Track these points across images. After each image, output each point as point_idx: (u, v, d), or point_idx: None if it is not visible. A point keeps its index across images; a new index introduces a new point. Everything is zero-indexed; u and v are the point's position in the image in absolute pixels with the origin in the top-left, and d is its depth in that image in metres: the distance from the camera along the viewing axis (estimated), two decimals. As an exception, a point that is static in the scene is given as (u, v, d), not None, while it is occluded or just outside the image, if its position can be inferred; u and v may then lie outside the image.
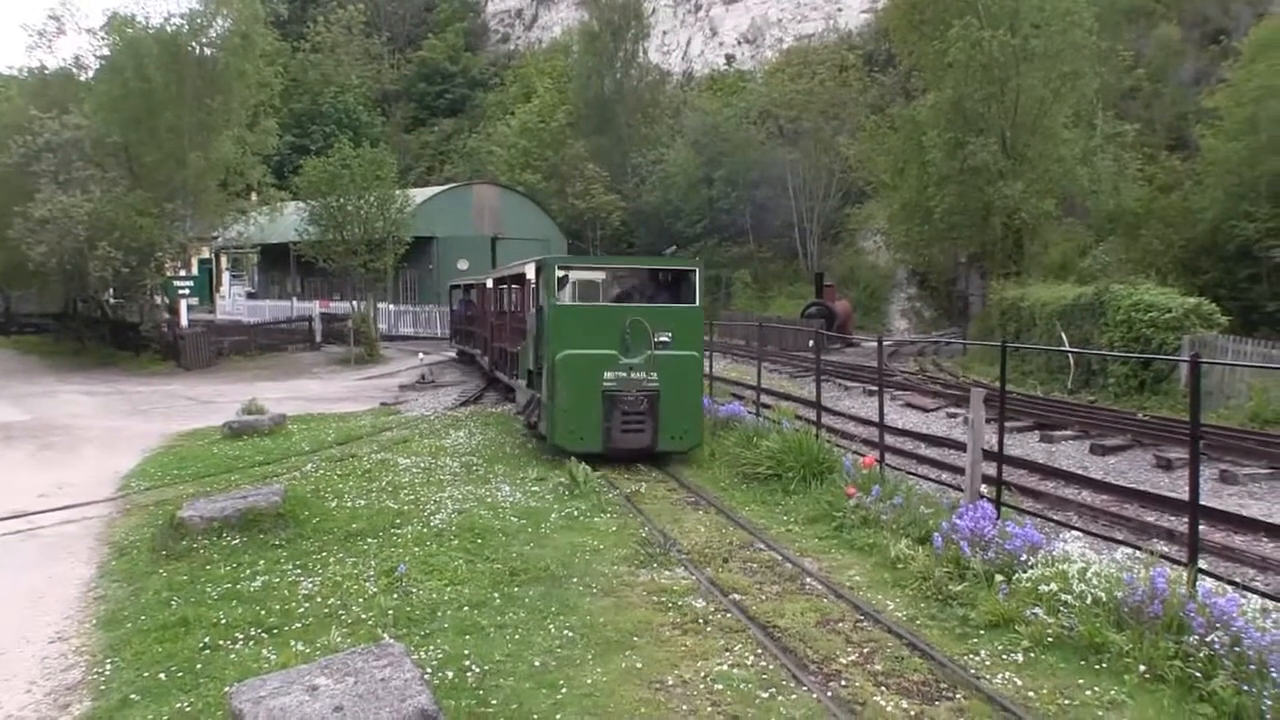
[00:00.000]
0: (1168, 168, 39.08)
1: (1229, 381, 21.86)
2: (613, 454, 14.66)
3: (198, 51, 36.48)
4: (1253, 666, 6.28)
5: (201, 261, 49.21)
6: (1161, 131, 42.63)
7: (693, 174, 57.77)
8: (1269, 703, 5.99)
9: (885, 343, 28.40)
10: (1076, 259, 36.61)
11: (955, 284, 47.71)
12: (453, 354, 37.38)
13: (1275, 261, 28.62)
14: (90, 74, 41.09)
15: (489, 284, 26.25)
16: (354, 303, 41.48)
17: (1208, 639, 6.61)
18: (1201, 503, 7.97)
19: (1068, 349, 26.50)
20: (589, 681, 6.81)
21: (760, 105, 59.75)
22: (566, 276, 16.17)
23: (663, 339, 14.72)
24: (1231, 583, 7.92)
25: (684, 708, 6.41)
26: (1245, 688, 6.19)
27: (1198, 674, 6.50)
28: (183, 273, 38.98)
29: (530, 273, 18.37)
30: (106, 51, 38.03)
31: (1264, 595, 7.49)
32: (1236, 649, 6.44)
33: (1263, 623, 6.57)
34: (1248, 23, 39.92)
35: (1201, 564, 7.80)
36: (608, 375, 14.49)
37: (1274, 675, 6.09)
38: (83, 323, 41.07)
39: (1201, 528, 8.55)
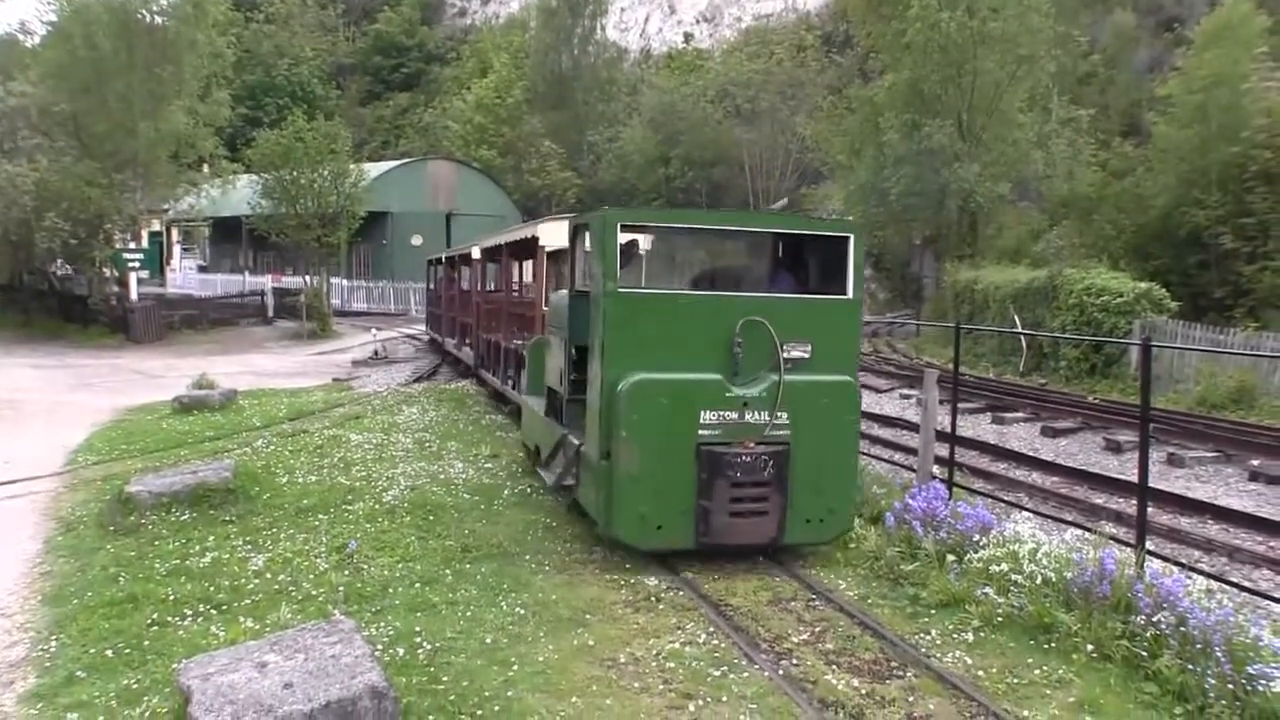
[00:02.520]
0: (1121, 154, 39.47)
1: (1178, 366, 22.21)
2: (712, 550, 8.86)
3: (148, 19, 35.79)
4: (1197, 646, 6.36)
5: (152, 234, 48.50)
6: (1115, 117, 43.07)
7: (649, 152, 57.73)
8: (1212, 681, 6.08)
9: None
10: (1030, 243, 36.95)
11: (910, 266, 48.05)
12: (424, 339, 35.13)
13: (1224, 248, 28.97)
14: (37, 40, 40.31)
15: (476, 254, 20.75)
16: (307, 277, 41.09)
17: (1154, 619, 6.69)
18: (1150, 485, 8.06)
19: (1020, 331, 26.77)
20: (540, 659, 6.79)
21: (718, 84, 59.74)
22: (634, 244, 10.09)
23: (796, 354, 8.95)
24: (1178, 564, 8.03)
25: (636, 685, 6.41)
26: (1190, 666, 6.28)
27: (1144, 653, 6.58)
28: (132, 245, 38.37)
29: (548, 236, 14.72)
30: (54, 17, 37.28)
31: (1209, 576, 7.61)
32: (1182, 629, 6.53)
33: (1207, 603, 6.65)
34: (1200, 11, 40.35)
35: (1149, 545, 7.90)
36: (707, 417, 8.64)
37: (1217, 654, 6.17)
38: (29, 295, 40.34)
39: (1150, 510, 8.66)
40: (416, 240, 51.58)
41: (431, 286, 33.54)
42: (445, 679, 6.40)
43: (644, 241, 10.59)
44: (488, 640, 7.09)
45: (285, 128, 40.41)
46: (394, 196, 50.86)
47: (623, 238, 8.98)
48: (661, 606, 7.83)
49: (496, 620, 7.50)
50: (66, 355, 30.35)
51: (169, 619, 7.48)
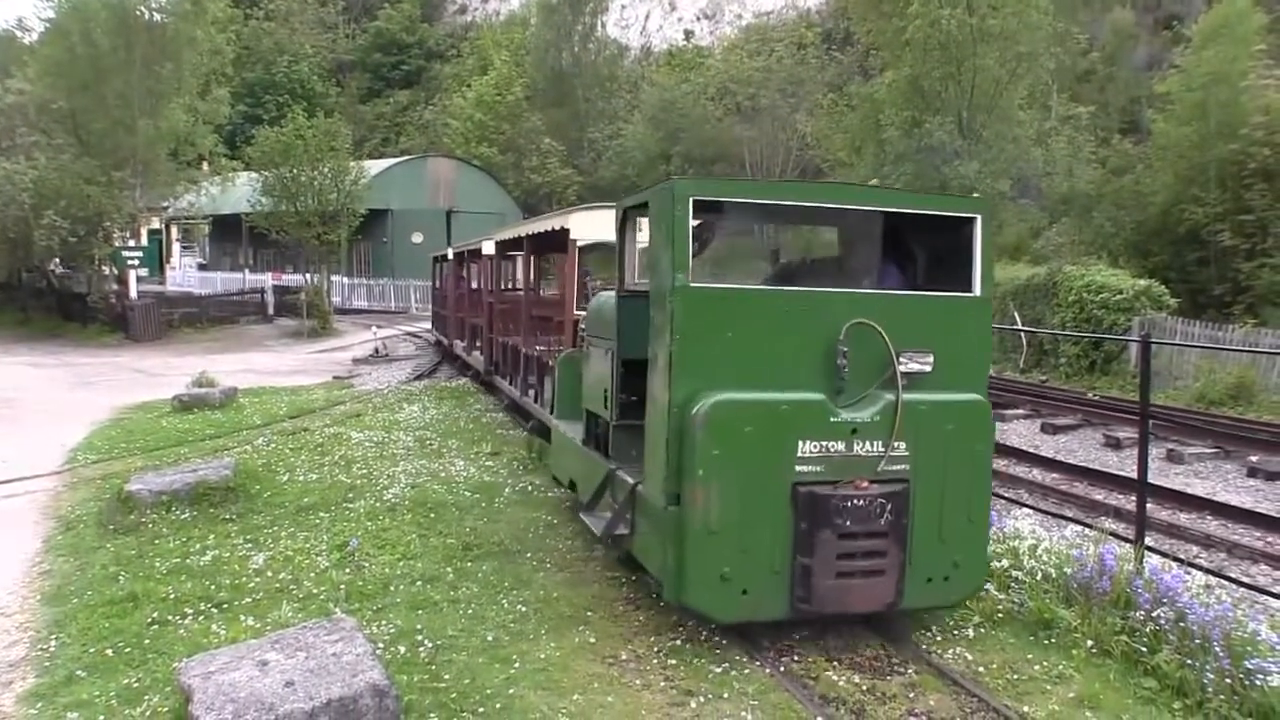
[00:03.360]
0: (1120, 151, 39.44)
1: (1177, 363, 22.23)
2: (810, 618, 7.03)
3: (147, 16, 35.81)
4: (1196, 641, 6.38)
5: (151, 232, 48.52)
6: (1115, 115, 43.08)
7: (650, 149, 57.70)
8: (1211, 676, 6.11)
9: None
10: (1030, 240, 36.96)
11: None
12: (430, 340, 33.38)
13: (1222, 245, 28.96)
14: (34, 37, 40.33)
15: (488, 249, 18.97)
16: (307, 275, 41.09)
17: (1153, 614, 6.71)
18: (1149, 481, 8.07)
19: (1020, 328, 26.76)
20: (542, 656, 6.79)
21: (718, 82, 59.69)
22: (709, 226, 8.49)
23: (916, 366, 7.15)
24: (1177, 559, 8.06)
25: (638, 682, 6.41)
26: (1189, 662, 6.29)
27: (1143, 649, 6.60)
28: (132, 243, 38.35)
29: (580, 228, 13.16)
30: (51, 14, 37.34)
31: (1207, 571, 7.62)
32: (1181, 624, 6.55)
33: (1206, 599, 6.68)
34: (1199, 9, 40.34)
35: (1148, 541, 7.91)
36: (806, 449, 6.83)
37: (1216, 649, 6.20)
38: (28, 293, 40.39)
39: (1149, 505, 8.66)
40: (417, 238, 51.61)
41: (437, 285, 31.56)
42: (447, 677, 6.41)
43: (726, 223, 8.63)
44: (489, 638, 7.10)
45: (285, 125, 40.43)
46: (394, 194, 50.86)
47: (697, 220, 7.10)
48: (663, 604, 7.82)
49: (498, 618, 7.50)
50: (65, 353, 30.36)
51: (169, 618, 7.48)
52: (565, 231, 13.30)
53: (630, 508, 7.67)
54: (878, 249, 8.22)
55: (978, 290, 7.49)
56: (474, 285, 22.96)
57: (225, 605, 7.75)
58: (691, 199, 6.84)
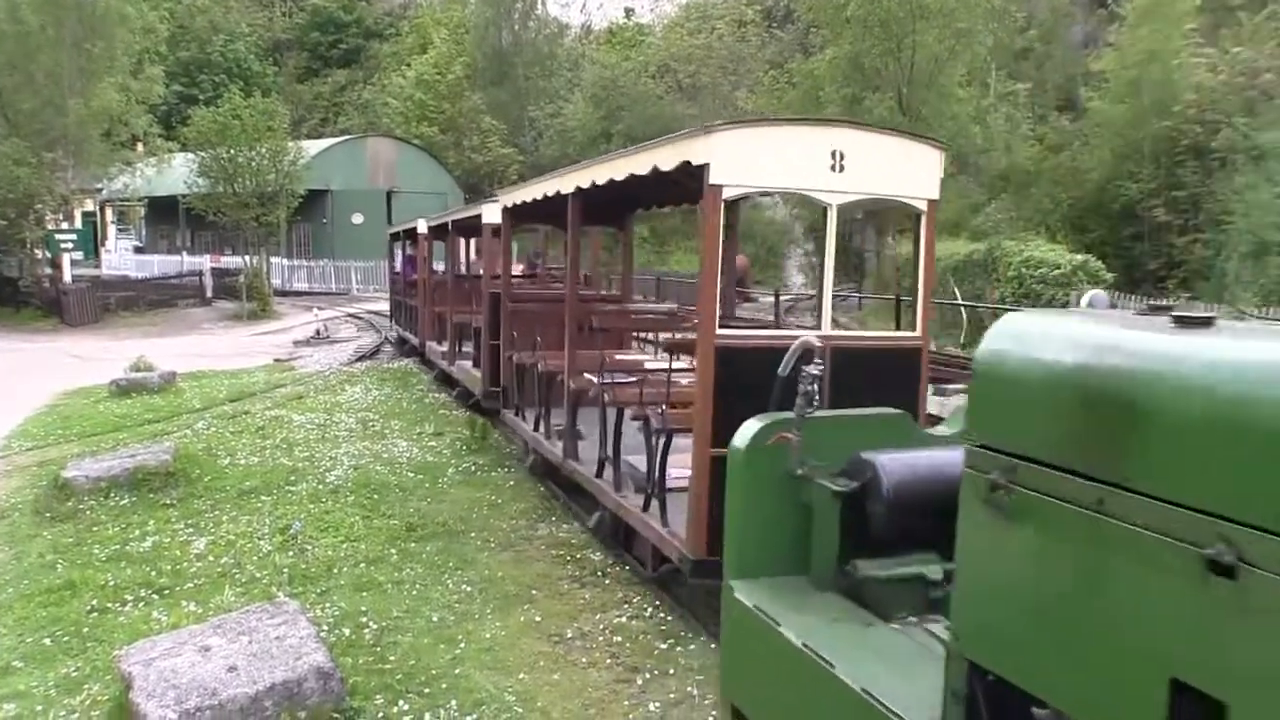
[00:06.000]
0: (1057, 128, 40.01)
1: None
2: None
3: (76, -8, 35.09)
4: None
5: (85, 214, 47.49)
6: (1052, 92, 43.60)
7: (591, 128, 57.47)
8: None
9: (783, 298, 28.81)
10: (969, 216, 37.38)
11: (851, 240, 48.38)
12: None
13: (1156, 221, 29.53)
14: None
15: (490, 217, 13.99)
16: (246, 257, 40.55)
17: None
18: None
19: (960, 303, 27.08)
20: (488, 635, 6.81)
21: (659, 60, 59.59)
22: None
23: None
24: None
25: (583, 660, 6.44)
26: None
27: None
28: (65, 226, 37.60)
29: (733, 165, 6.17)
30: (-26, -10, 36.42)
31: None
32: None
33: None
34: (1133, -13, 40.94)
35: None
36: None
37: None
38: (-44, 278, 39.51)
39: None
40: (357, 218, 51.16)
41: (398, 269, 26.11)
42: (392, 658, 6.40)
43: None
44: (434, 618, 7.10)
45: (221, 105, 39.80)
46: (334, 174, 50.27)
47: None
48: (608, 582, 7.87)
49: (443, 598, 7.50)
50: (-2, 339, 29.75)
51: (109, 605, 7.40)
52: (699, 171, 6.34)
53: None
54: None
55: None
56: (462, 270, 19.12)
57: (166, 591, 7.68)
58: None
